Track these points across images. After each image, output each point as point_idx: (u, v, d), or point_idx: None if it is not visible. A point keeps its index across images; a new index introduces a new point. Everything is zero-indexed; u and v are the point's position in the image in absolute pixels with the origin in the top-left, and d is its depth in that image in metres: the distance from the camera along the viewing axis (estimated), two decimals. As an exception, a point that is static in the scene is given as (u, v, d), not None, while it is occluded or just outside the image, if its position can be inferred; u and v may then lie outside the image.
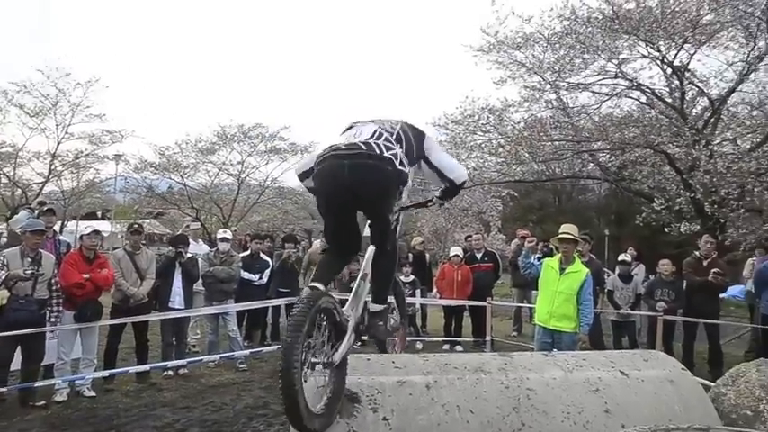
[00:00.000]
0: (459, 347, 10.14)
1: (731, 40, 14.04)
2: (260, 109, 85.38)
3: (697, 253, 8.96)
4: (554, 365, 3.75)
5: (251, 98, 78.26)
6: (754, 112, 14.85)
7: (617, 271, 9.81)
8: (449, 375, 3.45)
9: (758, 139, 13.63)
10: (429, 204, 4.26)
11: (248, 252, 10.13)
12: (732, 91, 14.05)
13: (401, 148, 3.33)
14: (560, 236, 6.43)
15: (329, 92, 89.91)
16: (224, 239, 9.08)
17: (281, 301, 10.14)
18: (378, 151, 3.16)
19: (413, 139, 3.50)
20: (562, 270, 6.30)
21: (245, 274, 9.50)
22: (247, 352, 8.80)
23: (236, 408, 6.61)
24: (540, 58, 15.13)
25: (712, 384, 4.22)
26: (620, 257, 9.85)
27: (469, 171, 16.35)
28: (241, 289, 9.25)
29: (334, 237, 3.43)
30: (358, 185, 3.10)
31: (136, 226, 8.24)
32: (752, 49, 13.53)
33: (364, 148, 3.16)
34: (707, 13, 13.48)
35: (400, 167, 3.22)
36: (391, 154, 3.20)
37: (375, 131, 3.31)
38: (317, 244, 13.40)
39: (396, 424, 3.07)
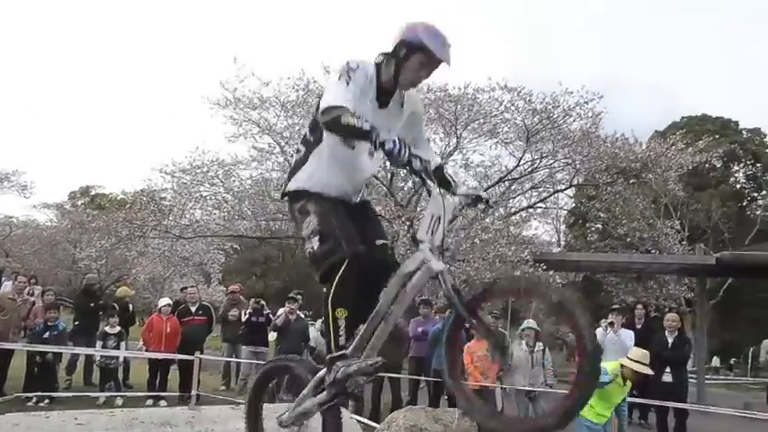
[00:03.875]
0: (163, 402, 9.82)
1: (434, 134, 16.62)
2: None
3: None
4: (239, 419, 4.07)
5: None
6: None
7: (318, 328, 10.63)
8: (134, 431, 3.52)
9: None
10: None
11: None
12: (431, 176, 16.56)
13: (302, 147, 3.27)
14: (643, 371, 6.58)
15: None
16: None
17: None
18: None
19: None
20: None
21: None
22: None
23: None
24: (273, 121, 16.01)
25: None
26: (325, 316, 10.74)
27: (193, 223, 16.31)
28: None
29: None
30: None
31: None
32: (447, 144, 16.26)
33: None
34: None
35: (285, 187, 3.28)
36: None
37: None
38: (8, 287, 11.91)
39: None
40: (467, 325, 2.87)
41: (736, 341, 27.77)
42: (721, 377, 22.19)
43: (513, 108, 15.18)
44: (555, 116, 15.05)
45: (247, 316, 11.19)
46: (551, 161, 15.83)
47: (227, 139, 16.10)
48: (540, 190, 16.81)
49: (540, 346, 9.03)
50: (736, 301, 26.67)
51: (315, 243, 3.03)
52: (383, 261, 3.15)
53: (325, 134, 3.07)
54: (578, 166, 15.48)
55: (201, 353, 10.45)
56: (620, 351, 8.80)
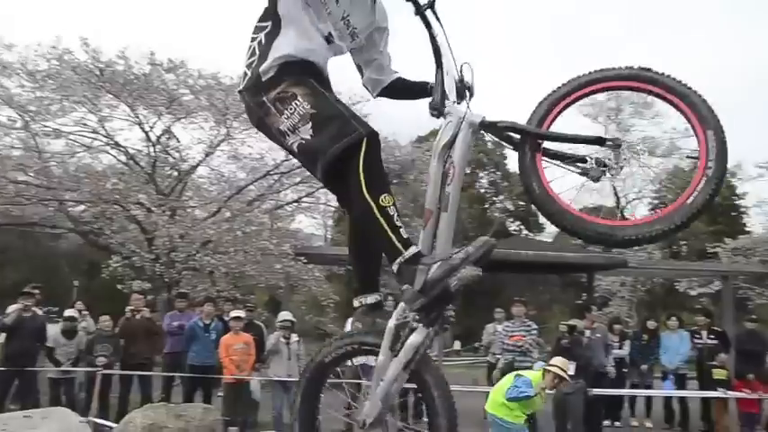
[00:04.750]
0: None
1: (205, 121, 16.07)
2: None
3: (129, 308, 9.90)
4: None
5: None
6: (213, 187, 17.26)
7: (61, 327, 9.69)
8: None
9: (214, 209, 15.83)
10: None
11: None
12: (198, 165, 16.11)
13: (261, 25, 2.53)
14: (562, 375, 6.74)
15: None
16: None
17: None
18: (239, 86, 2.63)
19: None
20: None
21: None
22: None
23: None
24: (16, 91, 14.17)
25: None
26: (67, 313, 9.81)
27: None
28: None
29: None
30: None
31: None
32: (217, 134, 15.88)
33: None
34: (185, 94, 15.19)
35: (246, 70, 2.52)
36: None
37: None
38: None
39: None
40: (543, 147, 2.33)
41: (475, 326, 31.61)
42: (462, 359, 24.96)
43: (283, 103, 15.34)
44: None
45: (-36, 314, 9.73)
46: (320, 157, 16.34)
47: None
48: (308, 185, 17.28)
49: (295, 337, 9.35)
50: (474, 290, 30.30)
51: (306, 132, 2.34)
52: None
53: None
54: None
55: None
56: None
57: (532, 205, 2.30)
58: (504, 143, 2.41)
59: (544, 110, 2.32)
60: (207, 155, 15.96)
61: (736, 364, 10.22)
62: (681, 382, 10.61)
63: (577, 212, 2.22)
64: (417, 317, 2.31)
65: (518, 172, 2.34)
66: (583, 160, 2.25)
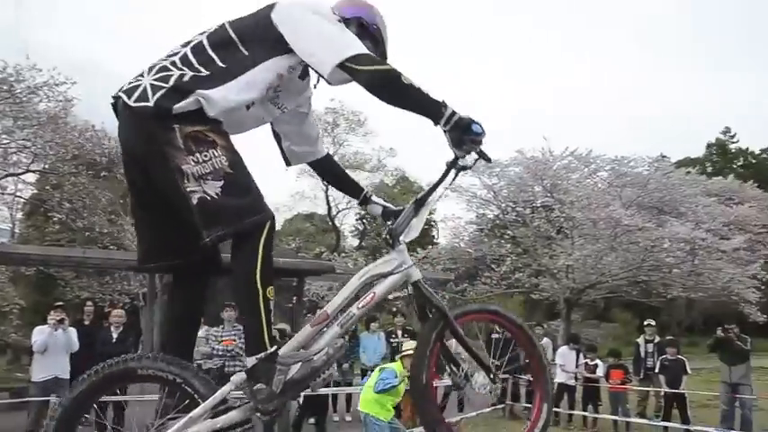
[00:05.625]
0: None
1: None
2: None
3: None
4: None
5: None
6: None
7: None
8: None
9: None
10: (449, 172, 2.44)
11: None
12: None
13: (195, 65, 2.20)
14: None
15: None
16: None
17: None
18: (128, 97, 2.15)
19: (246, 33, 2.27)
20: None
21: None
22: None
23: None
24: None
25: None
26: None
27: None
28: None
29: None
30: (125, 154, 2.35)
31: None
32: None
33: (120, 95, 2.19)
34: None
35: (158, 103, 2.11)
36: (149, 87, 2.15)
37: (154, 65, 2.23)
38: None
39: None
40: (448, 339, 2.46)
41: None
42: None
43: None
44: (17, 91, 13.55)
45: None
46: (8, 141, 14.20)
47: None
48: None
49: None
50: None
51: (213, 188, 2.11)
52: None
53: (251, 73, 2.23)
54: (39, 150, 14.37)
55: None
56: (67, 347, 8.57)
57: (410, 393, 2.56)
58: (417, 311, 2.50)
59: (467, 311, 2.62)
60: None
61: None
62: (380, 378, 11.68)
63: (441, 418, 2.45)
64: (259, 411, 2.18)
65: (417, 350, 2.47)
66: (459, 367, 2.51)
